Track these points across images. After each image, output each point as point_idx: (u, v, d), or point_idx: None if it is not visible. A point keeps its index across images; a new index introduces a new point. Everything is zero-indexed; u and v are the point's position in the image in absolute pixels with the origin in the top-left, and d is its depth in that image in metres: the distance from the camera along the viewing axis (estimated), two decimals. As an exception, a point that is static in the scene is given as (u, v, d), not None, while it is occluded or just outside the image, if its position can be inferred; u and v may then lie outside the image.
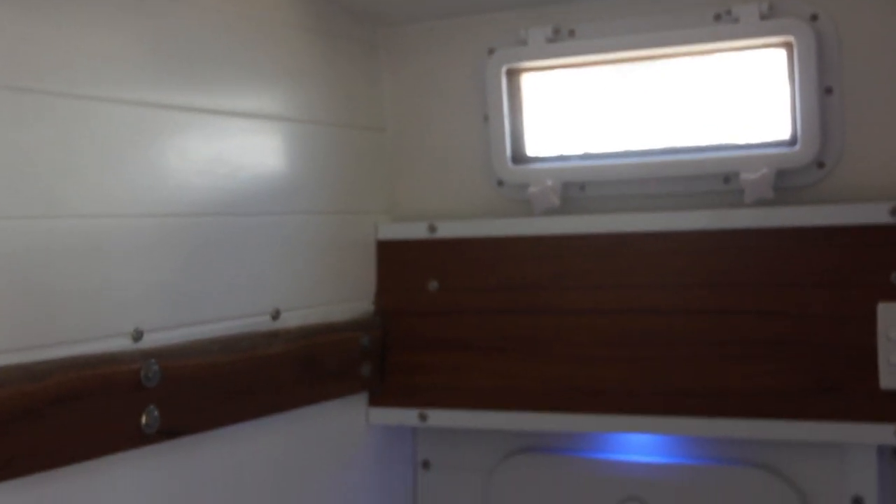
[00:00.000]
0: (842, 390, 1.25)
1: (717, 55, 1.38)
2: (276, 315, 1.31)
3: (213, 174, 1.23)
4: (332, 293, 1.44)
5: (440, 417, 1.47)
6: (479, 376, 1.45)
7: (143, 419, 1.07)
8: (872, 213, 1.25)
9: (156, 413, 1.08)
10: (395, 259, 1.52)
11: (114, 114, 1.09)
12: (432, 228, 1.49)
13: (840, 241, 1.27)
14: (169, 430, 1.11)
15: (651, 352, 1.35)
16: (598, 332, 1.38)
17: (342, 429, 1.46)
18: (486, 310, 1.45)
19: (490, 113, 1.48)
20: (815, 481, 1.34)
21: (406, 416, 1.49)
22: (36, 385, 0.96)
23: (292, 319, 1.34)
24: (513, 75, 1.48)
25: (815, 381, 1.27)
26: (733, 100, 1.38)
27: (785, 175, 1.32)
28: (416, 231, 1.51)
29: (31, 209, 0.99)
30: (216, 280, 1.22)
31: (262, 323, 1.29)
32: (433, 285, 1.49)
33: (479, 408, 1.44)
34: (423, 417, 1.48)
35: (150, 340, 1.11)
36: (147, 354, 1.09)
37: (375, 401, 1.51)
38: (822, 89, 1.30)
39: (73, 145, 1.04)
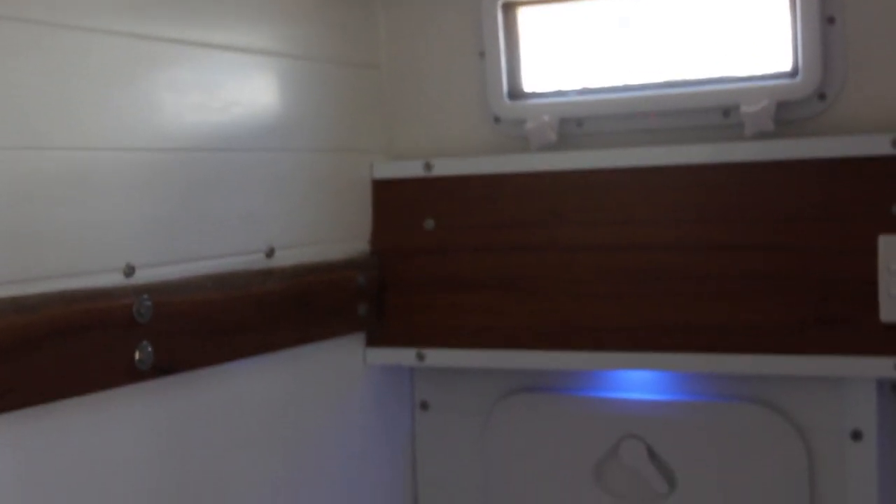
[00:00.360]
0: (842, 324, 1.24)
1: (717, -15, 1.36)
2: (270, 253, 1.30)
3: (207, 109, 1.21)
4: (328, 232, 1.43)
5: (438, 357, 1.46)
6: (476, 315, 1.44)
7: (137, 355, 1.06)
8: (873, 145, 1.23)
9: (149, 349, 1.07)
10: (390, 198, 1.50)
11: (105, 45, 1.07)
12: (428, 167, 1.47)
13: (841, 173, 1.25)
14: (163, 367, 1.10)
15: (650, 288, 1.34)
16: (597, 269, 1.37)
17: (339, 369, 1.46)
18: (483, 248, 1.44)
19: (486, 48, 1.45)
20: (813, 416, 1.34)
21: (403, 356, 1.48)
22: (27, 318, 0.95)
23: (287, 258, 1.32)
24: (509, 9, 1.45)
25: (814, 316, 1.26)
26: (733, 31, 1.35)
27: (785, 107, 1.30)
28: (411, 169, 1.49)
29: (19, 140, 0.97)
30: (209, 216, 1.21)
31: (257, 261, 1.28)
32: (429, 224, 1.47)
33: (477, 347, 1.44)
34: (420, 357, 1.47)
35: (143, 276, 1.09)
36: (139, 290, 1.08)
37: (372, 341, 1.50)
38: (824, 19, 1.27)
39: (63, 77, 1.02)
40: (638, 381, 1.44)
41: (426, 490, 1.61)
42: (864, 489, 1.30)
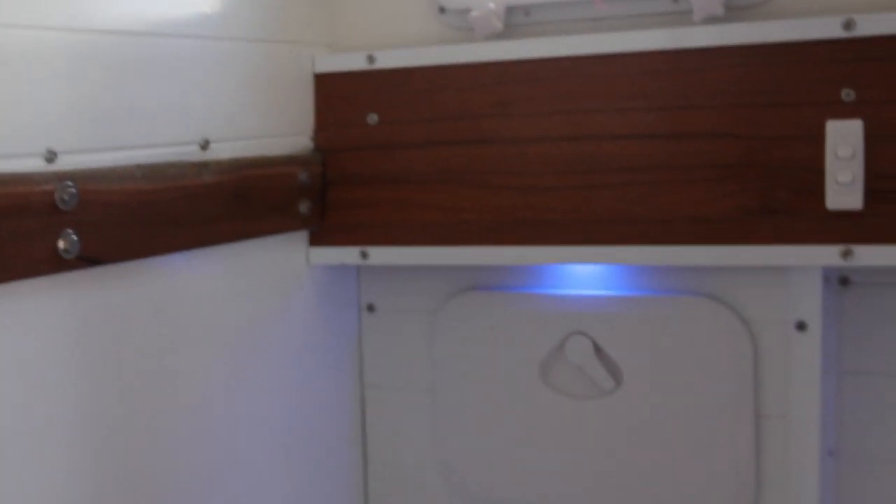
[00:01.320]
0: (789, 213, 1.23)
1: None
2: (205, 145, 1.25)
3: (135, -10, 1.15)
4: (268, 127, 1.38)
5: (382, 255, 1.43)
6: (422, 211, 1.41)
7: (61, 244, 1.02)
8: (824, 28, 1.20)
9: (74, 237, 1.03)
10: (332, 92, 1.45)
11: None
12: (371, 59, 1.43)
13: (790, 58, 1.22)
14: (89, 257, 1.06)
15: (597, 179, 1.31)
16: (544, 161, 1.34)
17: (282, 268, 1.42)
18: (429, 142, 1.40)
19: (429, -66, 1.40)
20: (759, 308, 1.33)
21: (347, 255, 1.45)
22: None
23: (224, 151, 1.28)
24: None
25: (762, 205, 1.24)
26: (683, -88, 1.31)
27: (736, -9, 1.27)
28: (353, 62, 1.44)
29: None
30: (139, 104, 1.16)
31: (191, 153, 1.23)
32: (373, 119, 1.43)
33: (423, 244, 1.41)
34: (364, 255, 1.44)
35: (66, 162, 1.04)
36: (62, 176, 1.03)
37: (316, 240, 1.47)
38: None
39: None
40: (585, 278, 1.43)
41: (372, 392, 1.60)
42: (807, 379, 1.30)
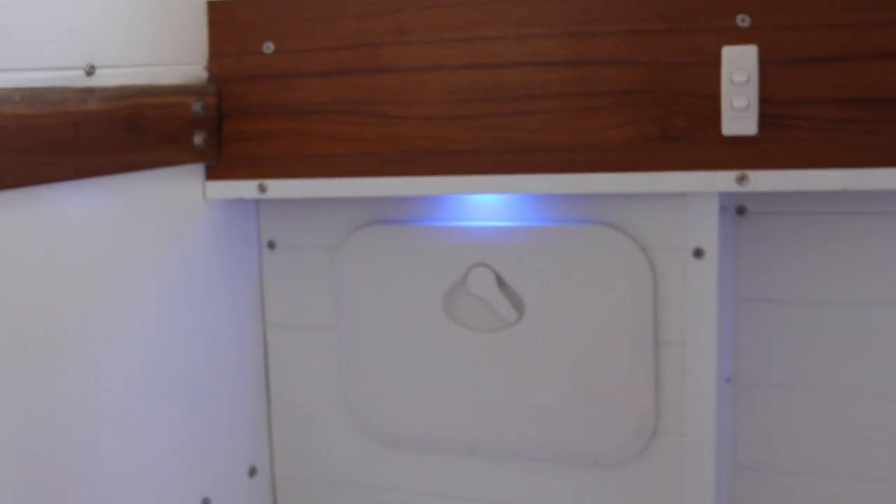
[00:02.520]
0: (686, 139, 1.24)
1: None
2: (90, 71, 1.19)
3: None
4: (158, 54, 1.33)
5: (282, 188, 1.40)
6: (321, 142, 1.38)
7: (-67, 167, 0.97)
8: None
9: (-53, 161, 0.98)
10: (226, 19, 1.41)
11: None
12: (266, -15, 1.38)
13: None
14: (-34, 182, 1.01)
15: (498, 108, 1.30)
16: (444, 90, 1.32)
17: (177, 202, 1.38)
18: (326, 71, 1.37)
19: None
20: (658, 236, 1.34)
21: (245, 189, 1.42)
22: None
23: (111, 78, 1.23)
24: None
25: (661, 132, 1.25)
26: None
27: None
28: (248, -12, 1.40)
29: None
30: (14, 24, 1.10)
31: (75, 78, 1.18)
32: (269, 47, 1.39)
33: (323, 176, 1.38)
34: (262, 189, 1.41)
35: (-63, 82, 0.99)
36: (-67, 96, 0.98)
37: (212, 174, 1.43)
38: None
39: None
40: (487, 209, 1.42)
41: (275, 331, 1.57)
42: (705, 306, 1.32)
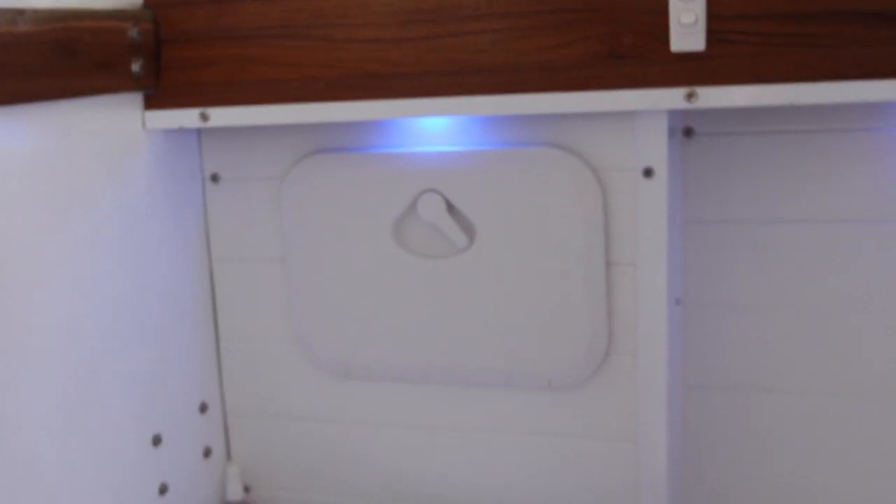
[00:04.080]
0: (635, 57, 1.22)
1: None
2: (19, -9, 1.15)
3: None
4: (90, -23, 1.28)
5: (224, 116, 1.37)
6: (263, 68, 1.34)
7: None
8: None
9: None
10: None
11: None
12: None
13: None
14: None
15: (442, 28, 1.27)
16: (388, 12, 1.29)
17: (115, 133, 1.34)
18: None
19: None
20: (607, 156, 1.34)
21: (186, 118, 1.38)
22: None
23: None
24: None
25: (609, 50, 1.23)
26: None
27: None
28: None
29: None
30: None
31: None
32: (206, -31, 1.34)
33: (266, 102, 1.35)
34: (204, 118, 1.37)
35: None
36: None
37: (151, 103, 1.38)
38: None
39: None
40: (434, 134, 1.40)
41: (221, 265, 1.55)
42: (655, 224, 1.32)
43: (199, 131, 1.51)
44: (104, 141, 1.31)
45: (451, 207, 1.40)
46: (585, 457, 1.43)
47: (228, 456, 1.62)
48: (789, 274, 1.41)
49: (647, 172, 1.31)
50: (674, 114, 1.35)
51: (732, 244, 1.42)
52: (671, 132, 1.34)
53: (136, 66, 1.33)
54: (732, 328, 1.45)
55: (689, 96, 1.21)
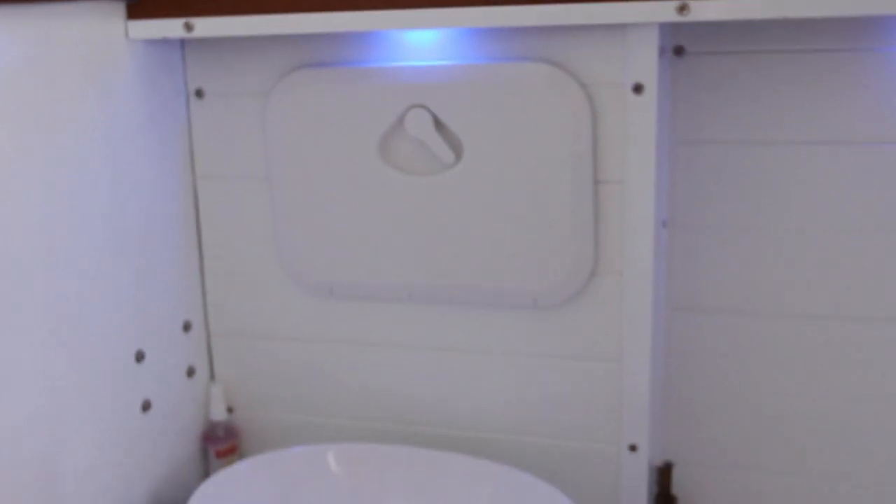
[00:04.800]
0: None
1: None
2: None
3: None
4: None
5: (208, 26, 1.34)
6: None
7: None
8: None
9: None
10: None
11: None
12: None
13: None
14: None
15: None
16: None
17: (96, 42, 1.31)
18: None
19: None
20: (597, 72, 1.32)
21: (170, 28, 1.35)
22: None
23: None
24: None
25: None
26: None
27: None
28: None
29: None
30: None
31: None
32: None
33: (251, 12, 1.32)
34: (189, 27, 1.34)
35: None
36: None
37: (134, 13, 1.35)
38: None
39: None
40: (422, 49, 1.38)
41: (204, 182, 1.53)
42: (644, 142, 1.31)
43: (182, 45, 1.48)
44: (85, 49, 1.28)
45: (438, 123, 1.38)
46: (569, 377, 1.44)
47: (212, 376, 1.61)
48: (778, 197, 1.41)
49: (637, 89, 1.30)
50: (664, 31, 1.33)
51: (721, 166, 1.42)
52: (661, 51, 1.32)
53: (118, -27, 1.30)
54: (718, 251, 1.45)
55: (681, 9, 1.20)
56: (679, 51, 1.39)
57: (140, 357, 1.41)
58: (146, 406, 1.44)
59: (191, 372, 1.56)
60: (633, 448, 1.42)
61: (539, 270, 1.39)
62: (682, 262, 1.46)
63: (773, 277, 1.44)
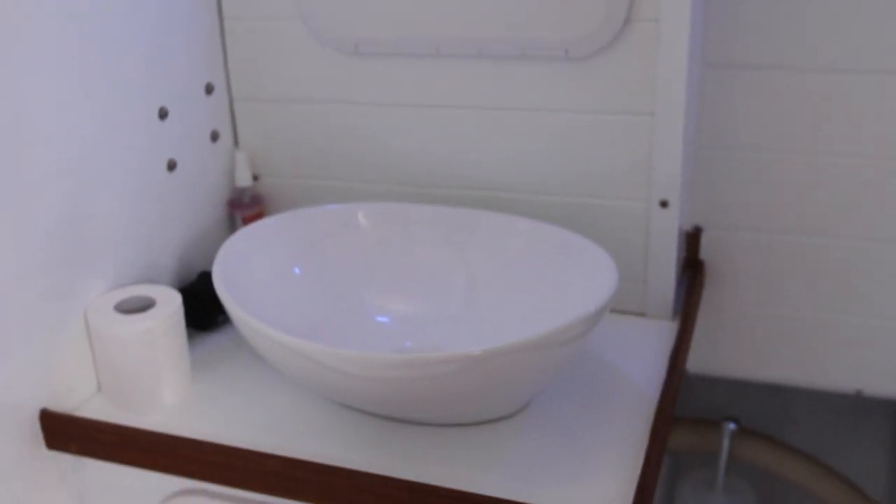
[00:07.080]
0: None
1: None
2: None
3: None
4: None
5: None
6: None
7: None
8: None
9: None
10: None
11: None
12: None
13: None
14: None
15: None
16: None
17: None
18: None
19: None
20: None
21: None
22: None
23: None
24: None
25: None
26: None
27: None
28: None
29: None
30: None
31: None
32: None
33: None
34: None
35: None
36: None
37: None
38: None
39: None
40: None
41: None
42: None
43: None
44: None
45: None
46: (601, 130, 1.40)
47: (236, 142, 1.59)
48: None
49: None
50: None
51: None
52: None
53: None
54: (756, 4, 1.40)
55: None
56: None
57: (163, 114, 1.39)
58: (171, 165, 1.42)
59: (215, 136, 1.53)
60: (664, 204, 1.40)
61: (570, 18, 1.34)
62: (719, 20, 1.41)
63: (815, 30, 1.39)
